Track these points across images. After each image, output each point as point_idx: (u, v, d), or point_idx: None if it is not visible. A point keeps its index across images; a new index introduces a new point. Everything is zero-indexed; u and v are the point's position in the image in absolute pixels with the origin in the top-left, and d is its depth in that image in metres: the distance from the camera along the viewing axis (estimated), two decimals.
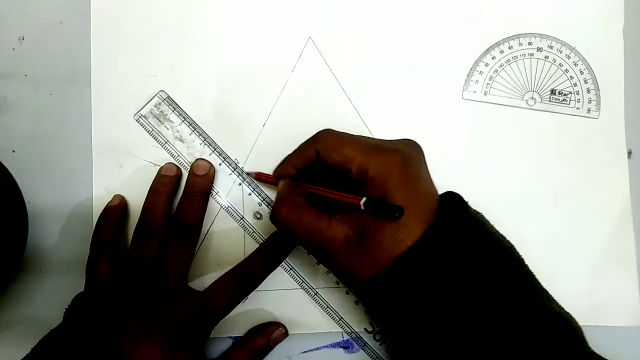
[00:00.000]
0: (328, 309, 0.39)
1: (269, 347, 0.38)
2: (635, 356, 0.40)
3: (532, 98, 0.41)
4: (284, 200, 0.33)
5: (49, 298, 0.38)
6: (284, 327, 0.38)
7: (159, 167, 0.38)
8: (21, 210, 0.36)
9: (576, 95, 0.41)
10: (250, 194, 0.39)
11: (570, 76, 0.41)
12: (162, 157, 0.39)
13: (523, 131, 0.41)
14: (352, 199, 0.31)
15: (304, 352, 0.39)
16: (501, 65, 0.41)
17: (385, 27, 0.41)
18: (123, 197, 0.38)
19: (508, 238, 0.40)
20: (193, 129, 0.39)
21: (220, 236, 0.39)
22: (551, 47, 0.41)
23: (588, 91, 0.41)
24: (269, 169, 0.39)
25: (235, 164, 0.39)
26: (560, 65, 0.41)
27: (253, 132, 0.39)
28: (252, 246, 0.38)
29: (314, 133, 0.35)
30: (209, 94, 0.39)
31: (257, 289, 0.37)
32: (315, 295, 0.39)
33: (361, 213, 0.30)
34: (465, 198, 0.40)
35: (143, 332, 0.33)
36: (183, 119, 0.39)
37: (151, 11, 0.40)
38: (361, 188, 0.31)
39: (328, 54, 0.40)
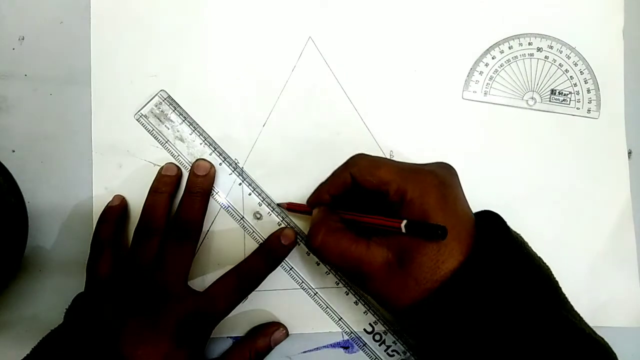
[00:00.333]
0: (328, 309, 0.39)
1: (269, 348, 0.38)
2: (636, 357, 0.40)
3: (532, 98, 0.41)
4: (320, 225, 0.33)
5: (49, 298, 0.38)
6: (285, 327, 0.38)
7: (159, 167, 0.38)
8: (21, 210, 0.36)
9: (576, 95, 0.41)
10: (250, 194, 0.39)
11: (570, 76, 0.41)
12: (163, 157, 0.39)
13: (523, 131, 0.41)
14: (392, 222, 0.30)
15: (304, 352, 0.39)
16: (501, 66, 0.41)
17: (385, 27, 0.41)
18: (123, 197, 0.38)
19: None
20: (193, 129, 0.39)
21: (220, 236, 0.39)
22: (551, 47, 0.41)
23: (588, 91, 0.41)
24: (269, 168, 0.39)
25: (235, 163, 0.39)
26: (560, 65, 0.41)
27: (253, 132, 0.39)
28: (252, 246, 0.38)
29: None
30: (209, 94, 0.39)
31: (257, 289, 0.37)
32: (315, 295, 0.39)
33: (402, 236, 0.30)
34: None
35: (143, 333, 0.33)
36: (183, 119, 0.39)
37: (151, 11, 0.40)
38: (398, 211, 0.31)
39: (328, 54, 0.40)
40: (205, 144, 0.39)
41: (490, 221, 0.32)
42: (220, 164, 0.39)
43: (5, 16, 0.39)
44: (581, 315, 0.40)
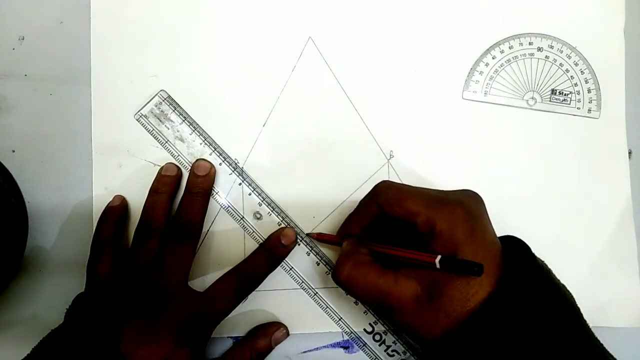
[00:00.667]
0: (328, 309, 0.39)
1: (270, 348, 0.38)
2: (636, 357, 0.40)
3: (532, 98, 0.41)
4: (346, 259, 0.32)
5: (49, 298, 0.38)
6: (285, 327, 0.38)
7: (159, 167, 0.38)
8: (21, 210, 0.36)
9: (577, 95, 0.41)
10: (250, 194, 0.39)
11: (571, 76, 0.41)
12: (163, 157, 0.39)
13: (523, 131, 0.41)
14: (426, 257, 0.30)
15: (304, 352, 0.39)
16: (501, 65, 0.41)
17: (385, 27, 0.41)
18: (124, 198, 0.38)
19: None
20: (193, 129, 0.39)
21: (220, 236, 0.39)
22: (552, 47, 0.41)
23: (589, 91, 0.41)
24: (268, 168, 0.39)
25: (236, 163, 0.39)
26: (561, 65, 0.41)
27: (253, 132, 0.39)
28: (252, 246, 0.38)
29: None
30: (209, 94, 0.39)
31: (257, 289, 0.37)
32: (315, 296, 0.39)
33: (434, 270, 0.30)
34: None
35: (143, 333, 0.33)
36: (183, 119, 0.39)
37: (151, 11, 0.39)
38: (427, 242, 0.31)
39: (328, 54, 0.40)
40: (205, 144, 0.39)
41: (516, 249, 0.32)
42: (220, 164, 0.39)
43: (5, 16, 0.39)
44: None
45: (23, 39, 0.39)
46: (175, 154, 0.39)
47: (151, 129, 0.39)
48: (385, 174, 0.40)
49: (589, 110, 0.41)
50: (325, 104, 0.40)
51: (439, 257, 0.29)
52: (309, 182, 0.39)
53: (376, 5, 0.40)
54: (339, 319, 0.39)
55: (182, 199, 0.37)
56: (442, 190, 0.33)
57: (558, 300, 0.30)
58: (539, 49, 0.41)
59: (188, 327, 0.34)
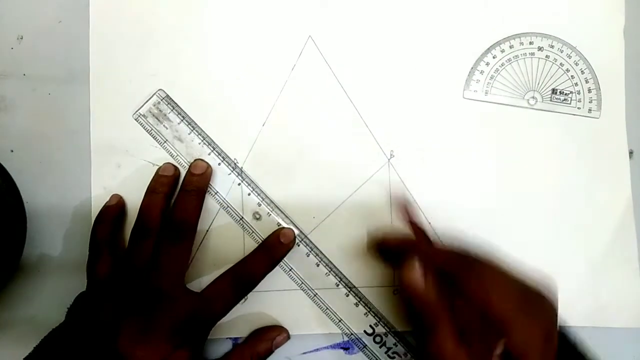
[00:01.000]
0: (328, 310, 0.39)
1: (270, 352, 0.37)
2: (636, 357, 0.40)
3: (533, 97, 0.41)
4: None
5: (48, 298, 0.38)
6: (286, 331, 0.38)
7: (157, 167, 0.38)
8: (20, 210, 0.36)
9: (577, 94, 0.41)
10: (249, 194, 0.39)
11: (572, 76, 0.41)
12: (161, 157, 0.39)
13: (524, 131, 0.41)
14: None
15: (304, 353, 0.39)
16: (502, 65, 0.41)
17: (385, 26, 0.40)
18: (120, 197, 0.38)
19: (508, 238, 0.40)
20: (192, 128, 0.39)
21: (219, 236, 0.39)
22: (552, 46, 0.41)
23: (589, 91, 0.41)
24: (268, 168, 0.39)
25: (235, 163, 0.39)
26: (561, 64, 0.41)
27: (253, 131, 0.39)
28: (251, 246, 0.38)
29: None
30: (209, 94, 0.39)
31: (257, 289, 0.37)
32: (315, 297, 0.39)
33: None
34: (466, 198, 0.40)
35: (140, 333, 0.32)
36: (182, 118, 0.39)
37: (150, 11, 0.39)
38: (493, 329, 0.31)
39: (328, 54, 0.40)
40: (204, 143, 0.39)
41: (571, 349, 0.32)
42: (219, 163, 0.39)
43: (4, 16, 0.39)
44: (583, 316, 0.40)
45: (22, 38, 0.39)
46: (174, 153, 0.39)
47: (149, 129, 0.39)
48: (386, 174, 0.40)
49: (590, 110, 0.41)
50: (325, 103, 0.40)
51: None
52: (309, 182, 0.39)
53: (376, 5, 0.40)
54: (339, 320, 0.39)
55: (176, 197, 0.37)
56: (525, 285, 0.33)
57: None
58: (540, 49, 0.41)
59: (185, 327, 0.33)
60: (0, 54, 0.39)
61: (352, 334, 0.39)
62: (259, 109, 0.39)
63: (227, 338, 0.38)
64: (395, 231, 0.39)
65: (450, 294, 0.32)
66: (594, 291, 0.40)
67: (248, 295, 0.38)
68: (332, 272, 0.39)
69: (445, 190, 0.40)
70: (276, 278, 0.38)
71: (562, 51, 0.41)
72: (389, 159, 0.40)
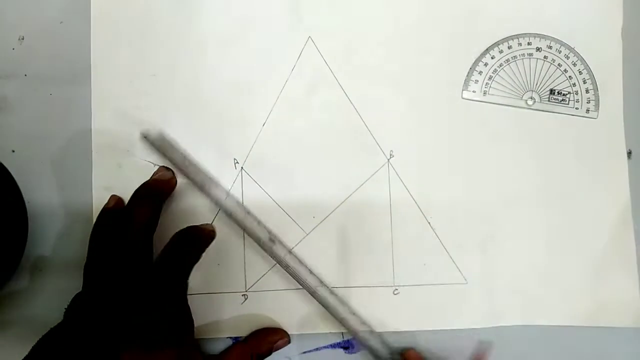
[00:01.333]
0: (327, 309, 0.39)
1: (270, 353, 0.37)
2: (636, 357, 0.40)
3: (531, 98, 0.41)
4: None
5: (49, 298, 0.38)
6: (287, 335, 0.38)
7: (158, 167, 0.38)
8: (21, 210, 0.36)
9: (575, 95, 0.41)
10: (249, 195, 0.39)
11: (569, 76, 0.41)
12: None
13: (522, 131, 0.41)
14: None
15: (304, 352, 0.39)
16: (500, 65, 0.41)
17: (384, 27, 0.41)
18: (120, 198, 0.38)
19: (508, 239, 0.40)
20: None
21: (219, 237, 0.38)
22: (550, 47, 0.41)
23: (587, 91, 0.41)
24: (268, 168, 0.39)
25: (235, 163, 0.39)
26: (559, 65, 0.41)
27: (253, 132, 0.39)
28: (251, 246, 0.38)
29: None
30: (208, 94, 0.39)
31: (257, 289, 0.37)
32: (314, 296, 0.38)
33: None
34: (465, 198, 0.40)
35: (143, 347, 0.32)
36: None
37: (149, 11, 0.40)
38: None
39: (327, 54, 0.40)
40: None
41: None
42: (219, 163, 0.39)
43: (5, 16, 0.39)
44: (582, 315, 0.40)
45: (23, 39, 0.39)
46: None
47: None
48: (386, 174, 0.40)
49: (587, 110, 0.41)
50: (324, 103, 0.40)
51: None
52: (309, 182, 0.39)
53: (375, 6, 0.41)
54: (339, 320, 0.39)
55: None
56: None
57: None
58: (538, 49, 0.41)
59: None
60: (2, 55, 0.39)
61: (351, 333, 0.39)
62: (259, 109, 0.40)
63: (227, 337, 0.38)
64: None
65: None
66: (592, 291, 0.40)
67: (248, 294, 0.38)
68: (331, 272, 0.39)
69: (445, 190, 0.40)
70: (276, 278, 0.38)
71: (560, 52, 0.41)
72: (388, 159, 0.40)
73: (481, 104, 0.41)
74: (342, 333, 0.39)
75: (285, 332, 0.38)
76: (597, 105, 0.41)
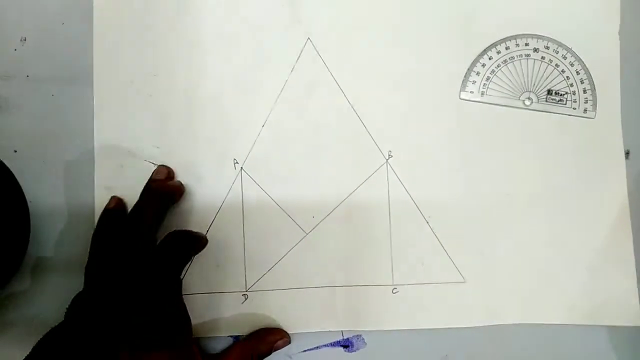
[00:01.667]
0: (327, 308, 0.39)
1: (270, 353, 0.38)
2: (634, 356, 0.40)
3: (528, 98, 0.41)
4: None
5: (50, 298, 0.38)
6: (288, 336, 0.38)
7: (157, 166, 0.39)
8: (23, 210, 0.36)
9: (572, 95, 0.41)
10: (249, 195, 0.39)
11: (567, 76, 0.41)
12: (162, 158, 0.39)
13: (520, 131, 0.41)
14: None
15: (304, 351, 0.39)
16: (498, 66, 0.41)
17: (383, 28, 0.41)
18: (120, 199, 0.38)
19: (506, 238, 0.40)
20: None
21: (219, 237, 0.39)
22: (547, 47, 0.41)
23: (584, 91, 0.41)
24: (268, 168, 0.39)
25: (235, 163, 0.39)
26: (557, 65, 0.41)
27: (252, 132, 0.40)
28: (251, 247, 0.38)
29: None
30: (208, 94, 0.40)
31: (257, 288, 0.37)
32: (315, 295, 0.39)
33: None
34: (463, 199, 0.40)
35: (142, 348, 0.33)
36: None
37: (149, 11, 0.40)
38: None
39: (326, 55, 0.40)
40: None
41: None
42: (219, 164, 0.39)
43: (7, 18, 0.39)
44: (580, 315, 0.40)
45: (25, 40, 0.39)
46: None
47: None
48: (384, 174, 0.40)
49: (585, 111, 0.41)
50: (323, 104, 0.40)
51: None
52: (308, 182, 0.40)
53: (374, 6, 0.41)
54: (339, 319, 0.39)
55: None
56: None
57: None
58: (535, 50, 0.41)
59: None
60: (4, 56, 0.39)
61: (352, 331, 0.39)
62: (258, 109, 0.40)
63: (227, 336, 0.39)
64: None
65: None
66: (590, 290, 0.40)
67: (248, 294, 0.38)
68: (331, 271, 0.39)
69: (443, 190, 0.40)
70: (276, 277, 0.38)
71: (557, 52, 0.41)
72: (387, 159, 0.40)
73: (479, 104, 0.41)
74: (342, 332, 0.39)
75: (285, 332, 0.38)
76: (594, 106, 0.41)
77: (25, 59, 0.39)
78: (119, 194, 0.38)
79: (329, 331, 0.39)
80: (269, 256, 0.39)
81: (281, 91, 0.40)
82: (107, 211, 0.38)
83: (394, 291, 0.39)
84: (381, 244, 0.40)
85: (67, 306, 0.35)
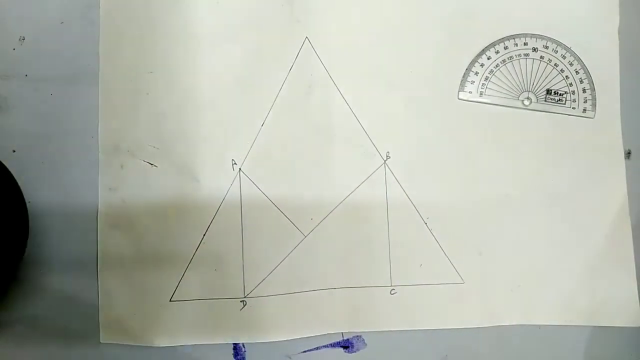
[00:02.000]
0: (327, 311, 0.39)
1: None
2: (634, 356, 0.40)
3: (527, 98, 0.41)
4: None
5: (50, 299, 0.38)
6: None
7: (157, 168, 0.38)
8: (22, 210, 0.36)
9: (572, 95, 0.41)
10: (248, 195, 0.39)
11: (566, 76, 0.41)
12: (162, 158, 0.39)
13: (519, 131, 0.41)
14: None
15: (304, 351, 0.39)
16: (497, 66, 0.41)
17: (381, 28, 0.41)
18: (122, 200, 0.38)
19: (505, 239, 0.40)
20: None
21: (218, 237, 0.39)
22: (546, 47, 0.41)
23: (584, 91, 0.41)
24: (266, 169, 0.39)
25: (233, 164, 0.39)
26: (556, 65, 0.41)
27: (251, 132, 0.40)
28: (250, 247, 0.38)
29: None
30: (207, 94, 0.40)
31: (256, 294, 0.37)
32: (314, 298, 0.39)
33: None
34: (462, 199, 0.40)
35: None
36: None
37: (149, 11, 0.40)
38: None
39: (324, 55, 0.40)
40: None
41: None
42: (218, 164, 0.39)
43: (6, 17, 0.39)
44: (579, 315, 0.40)
45: (24, 39, 0.39)
46: None
47: None
48: (382, 175, 0.40)
49: (584, 110, 0.41)
50: (321, 104, 0.40)
51: None
52: (307, 183, 0.40)
53: (372, 7, 0.41)
54: (338, 320, 0.39)
55: None
56: None
57: None
58: (534, 50, 0.41)
59: None
60: (2, 55, 0.39)
61: (352, 332, 0.39)
62: (257, 109, 0.40)
63: (226, 343, 0.38)
64: None
65: None
66: (590, 290, 0.40)
67: (246, 300, 0.38)
68: (329, 273, 0.39)
69: (441, 191, 0.40)
70: (275, 283, 0.38)
71: (556, 52, 0.41)
72: (385, 160, 0.40)
73: (478, 104, 0.41)
74: (342, 333, 0.39)
75: None
76: (594, 105, 0.41)
77: (24, 59, 0.39)
78: (121, 194, 0.38)
79: (329, 332, 0.39)
80: (267, 260, 0.39)
81: (279, 91, 0.40)
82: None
83: (392, 292, 0.39)
84: (379, 245, 0.39)
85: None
